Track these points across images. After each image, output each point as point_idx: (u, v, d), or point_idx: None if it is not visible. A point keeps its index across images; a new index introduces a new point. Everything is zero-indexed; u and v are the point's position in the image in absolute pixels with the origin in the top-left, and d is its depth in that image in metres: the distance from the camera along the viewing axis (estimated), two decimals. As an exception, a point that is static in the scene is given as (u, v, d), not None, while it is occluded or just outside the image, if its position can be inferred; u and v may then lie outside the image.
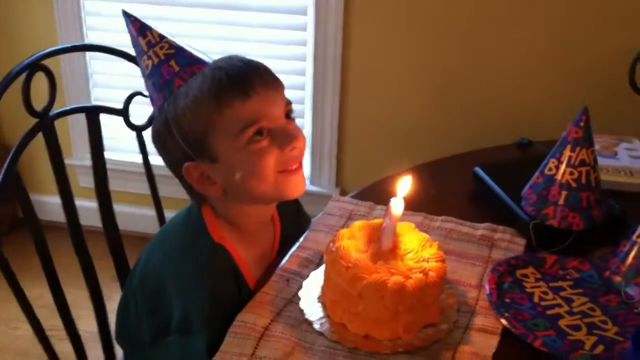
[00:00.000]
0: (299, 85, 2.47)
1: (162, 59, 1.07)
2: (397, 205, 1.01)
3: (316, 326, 1.02)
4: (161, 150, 1.09)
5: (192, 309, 1.04)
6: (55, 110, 1.22)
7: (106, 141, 1.34)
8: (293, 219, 1.27)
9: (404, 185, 1.03)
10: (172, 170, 1.10)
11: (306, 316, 1.04)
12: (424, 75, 2.35)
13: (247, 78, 1.03)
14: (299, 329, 1.02)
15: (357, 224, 1.08)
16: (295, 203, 1.30)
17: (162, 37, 1.08)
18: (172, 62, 1.06)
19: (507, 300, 1.08)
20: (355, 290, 0.98)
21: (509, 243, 1.22)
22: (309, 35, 2.37)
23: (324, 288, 1.05)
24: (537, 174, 1.27)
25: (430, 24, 2.28)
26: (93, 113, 1.29)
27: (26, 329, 1.25)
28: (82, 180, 2.59)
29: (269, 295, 1.08)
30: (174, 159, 1.08)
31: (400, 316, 0.98)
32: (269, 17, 2.40)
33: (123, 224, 1.43)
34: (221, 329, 1.00)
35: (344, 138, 2.52)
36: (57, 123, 1.23)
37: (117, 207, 1.42)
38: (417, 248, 1.03)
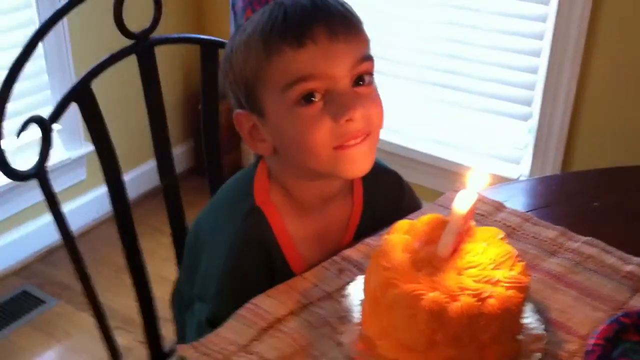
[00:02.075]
0: (531, 68, 2.14)
1: None
2: (463, 201, 0.74)
3: (339, 334, 0.80)
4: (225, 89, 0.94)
5: (210, 273, 0.90)
6: (159, 35, 1.11)
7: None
8: (390, 201, 1.03)
9: (479, 176, 0.75)
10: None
11: (334, 317, 0.82)
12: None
13: (307, 22, 0.82)
14: (317, 331, 0.80)
15: (426, 217, 0.82)
16: (397, 183, 1.05)
17: None
18: None
19: (619, 366, 0.75)
20: (385, 299, 0.74)
21: (665, 291, 0.87)
22: (551, 9, 2.03)
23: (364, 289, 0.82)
24: None
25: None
26: (209, 47, 1.16)
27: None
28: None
29: (308, 283, 0.88)
30: (233, 102, 0.92)
31: (439, 348, 0.72)
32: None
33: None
34: (234, 305, 0.83)
35: (575, 132, 2.14)
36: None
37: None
38: (489, 263, 0.75)
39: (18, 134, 0.91)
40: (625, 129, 2.04)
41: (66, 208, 2.32)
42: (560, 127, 2.15)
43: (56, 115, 0.97)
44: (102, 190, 1.14)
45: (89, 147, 2.23)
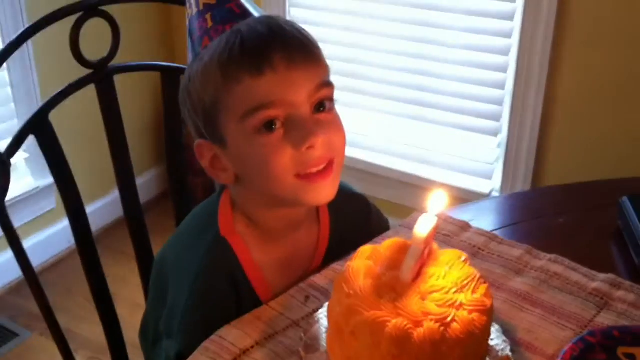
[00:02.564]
0: (498, 83, 2.16)
1: (200, 10, 0.89)
2: (424, 224, 0.74)
3: (306, 363, 0.79)
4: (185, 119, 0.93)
5: (174, 309, 0.88)
6: (117, 64, 1.10)
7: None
8: (358, 225, 1.03)
9: (438, 199, 0.75)
10: None
11: (302, 347, 0.81)
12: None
13: (264, 49, 0.82)
14: (283, 361, 0.80)
15: (388, 242, 0.82)
16: (363, 207, 1.05)
17: None
18: (208, 16, 0.88)
19: (586, 386, 0.75)
20: (348, 327, 0.74)
21: (630, 307, 0.87)
22: (516, 24, 2.05)
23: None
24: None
25: None
26: (169, 73, 1.16)
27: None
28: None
29: (274, 312, 0.87)
30: (193, 131, 0.91)
31: (403, 375, 0.72)
32: (471, 2, 2.12)
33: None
34: (202, 339, 0.82)
35: (544, 145, 2.15)
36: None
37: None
38: (452, 287, 0.75)
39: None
40: (594, 139, 2.06)
41: (38, 237, 2.32)
42: (529, 140, 2.17)
43: (14, 148, 0.96)
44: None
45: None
